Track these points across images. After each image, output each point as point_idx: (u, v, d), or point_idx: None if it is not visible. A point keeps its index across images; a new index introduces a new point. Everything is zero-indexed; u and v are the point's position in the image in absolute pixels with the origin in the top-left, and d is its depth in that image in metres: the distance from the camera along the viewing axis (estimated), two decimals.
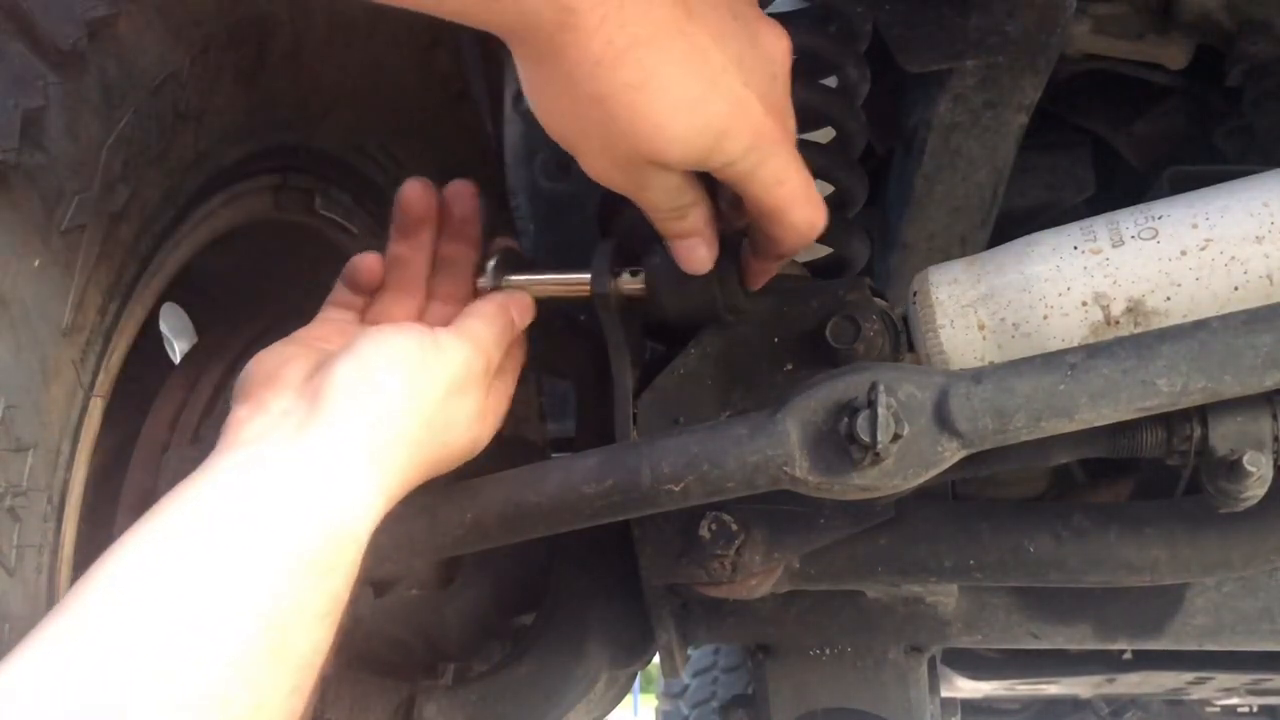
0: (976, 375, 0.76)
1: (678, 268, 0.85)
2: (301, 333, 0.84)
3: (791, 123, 0.78)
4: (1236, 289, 0.80)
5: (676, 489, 0.78)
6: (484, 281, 0.90)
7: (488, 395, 0.84)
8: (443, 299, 0.90)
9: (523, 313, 0.89)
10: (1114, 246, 0.83)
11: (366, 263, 0.89)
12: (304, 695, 0.66)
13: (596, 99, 0.69)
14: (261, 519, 0.67)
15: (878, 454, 0.73)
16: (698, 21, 0.70)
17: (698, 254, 0.83)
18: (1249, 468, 0.76)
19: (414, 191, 0.90)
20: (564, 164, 1.44)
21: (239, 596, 0.63)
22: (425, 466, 0.79)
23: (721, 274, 0.87)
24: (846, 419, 0.74)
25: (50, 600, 0.76)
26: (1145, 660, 1.92)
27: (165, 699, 0.58)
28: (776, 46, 0.76)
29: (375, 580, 1.12)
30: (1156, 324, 0.81)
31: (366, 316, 0.89)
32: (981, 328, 0.84)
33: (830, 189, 1.04)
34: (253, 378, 0.77)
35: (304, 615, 0.66)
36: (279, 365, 0.77)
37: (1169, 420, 0.79)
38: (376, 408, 0.74)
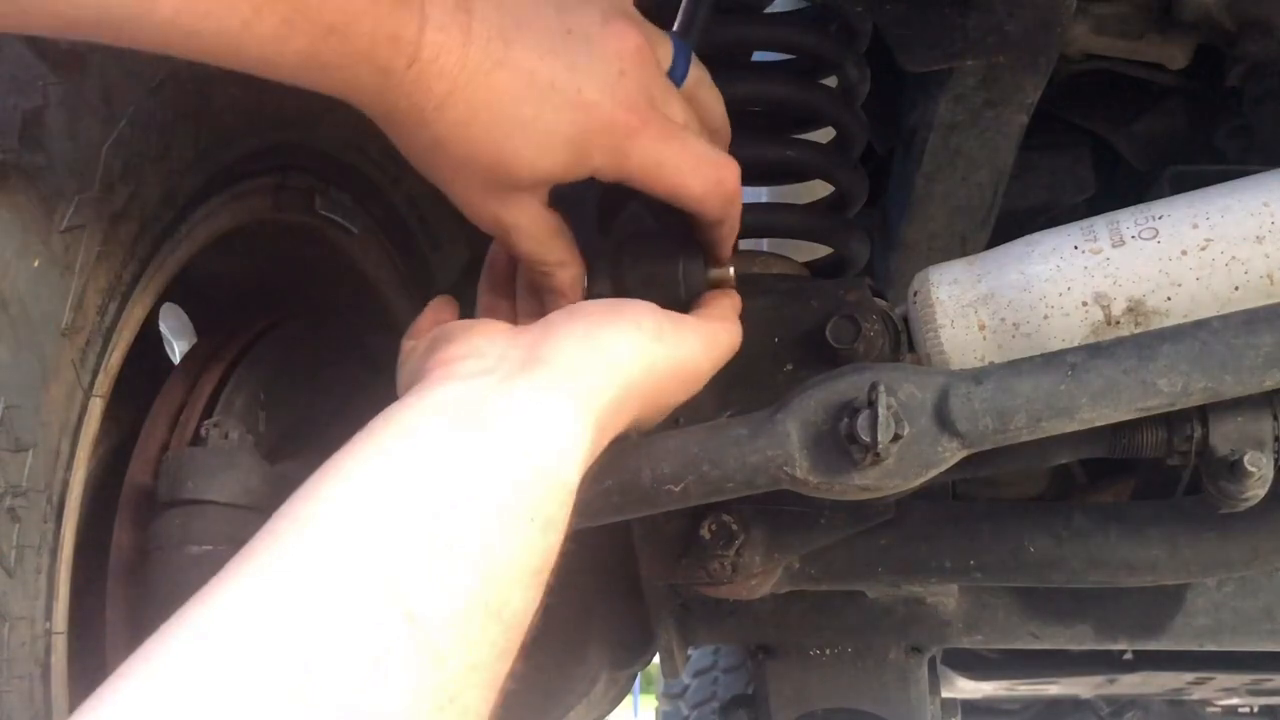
0: (977, 375, 0.76)
1: (640, 266, 0.86)
2: None
3: (654, 110, 0.78)
4: (1237, 289, 0.80)
5: (676, 489, 0.78)
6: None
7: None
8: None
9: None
10: (1114, 246, 0.82)
11: (446, 306, 0.87)
12: (512, 658, 0.62)
13: (435, 143, 0.73)
14: (479, 463, 0.63)
15: (878, 454, 0.73)
16: (518, 48, 0.72)
17: None
18: (1249, 468, 0.76)
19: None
20: None
21: (454, 548, 0.59)
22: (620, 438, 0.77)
23: (686, 271, 0.87)
24: (847, 419, 0.74)
25: (50, 600, 0.76)
26: (1146, 660, 1.92)
27: (376, 654, 0.54)
28: (620, 44, 0.77)
29: None
30: (1157, 324, 0.81)
31: None
32: (982, 328, 0.84)
33: (829, 188, 1.04)
34: (453, 330, 0.76)
35: (519, 571, 0.62)
36: (478, 322, 0.77)
37: (1169, 420, 0.79)
38: (601, 367, 0.72)
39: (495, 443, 0.65)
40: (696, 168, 0.80)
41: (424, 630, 0.56)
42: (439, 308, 0.87)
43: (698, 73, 0.86)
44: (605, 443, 0.74)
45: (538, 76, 0.73)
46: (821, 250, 1.04)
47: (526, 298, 0.87)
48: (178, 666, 0.52)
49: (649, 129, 0.77)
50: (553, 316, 0.75)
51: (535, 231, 0.79)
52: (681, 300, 0.87)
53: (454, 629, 0.57)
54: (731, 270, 0.89)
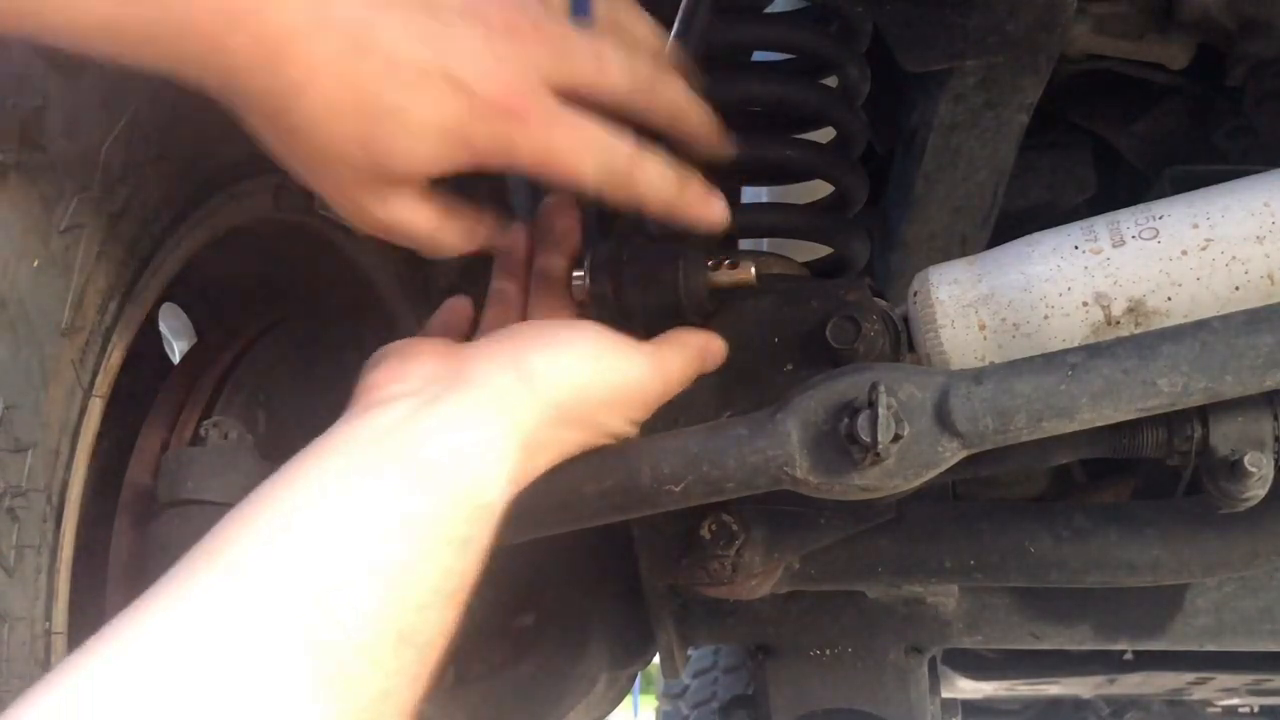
0: (977, 375, 0.76)
1: (640, 267, 0.86)
2: None
3: (538, 91, 0.72)
4: (1237, 289, 0.80)
5: (676, 489, 0.78)
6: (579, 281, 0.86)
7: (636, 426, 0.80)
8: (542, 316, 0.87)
9: (715, 356, 0.86)
10: (1115, 246, 0.82)
11: (459, 306, 0.87)
12: (426, 681, 0.61)
13: (293, 133, 0.68)
14: (391, 488, 0.62)
15: (878, 454, 0.73)
16: (380, 30, 0.67)
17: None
18: (1250, 468, 0.76)
19: (520, 236, 0.88)
20: None
21: (365, 575, 0.58)
22: (559, 461, 0.76)
23: (686, 271, 0.87)
24: (847, 419, 0.74)
25: (50, 600, 0.76)
26: (1146, 661, 1.92)
27: (280, 685, 0.53)
28: (493, 14, 0.70)
29: None
30: (1157, 324, 0.81)
31: None
32: (982, 328, 0.84)
33: (829, 188, 1.04)
34: (385, 353, 0.74)
35: (433, 594, 0.62)
36: (413, 344, 0.75)
37: (1170, 420, 0.79)
38: (524, 390, 0.70)
39: (409, 468, 0.64)
40: (588, 152, 0.74)
41: (332, 658, 0.56)
42: (451, 309, 0.86)
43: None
44: (540, 463, 0.73)
45: (402, 61, 0.67)
46: (821, 250, 1.04)
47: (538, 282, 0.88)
48: (75, 703, 0.52)
49: (533, 114, 0.71)
50: (486, 338, 0.74)
51: (422, 226, 0.75)
52: (681, 300, 0.87)
53: (365, 656, 0.57)
54: (753, 270, 0.89)
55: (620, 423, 0.78)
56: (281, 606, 0.56)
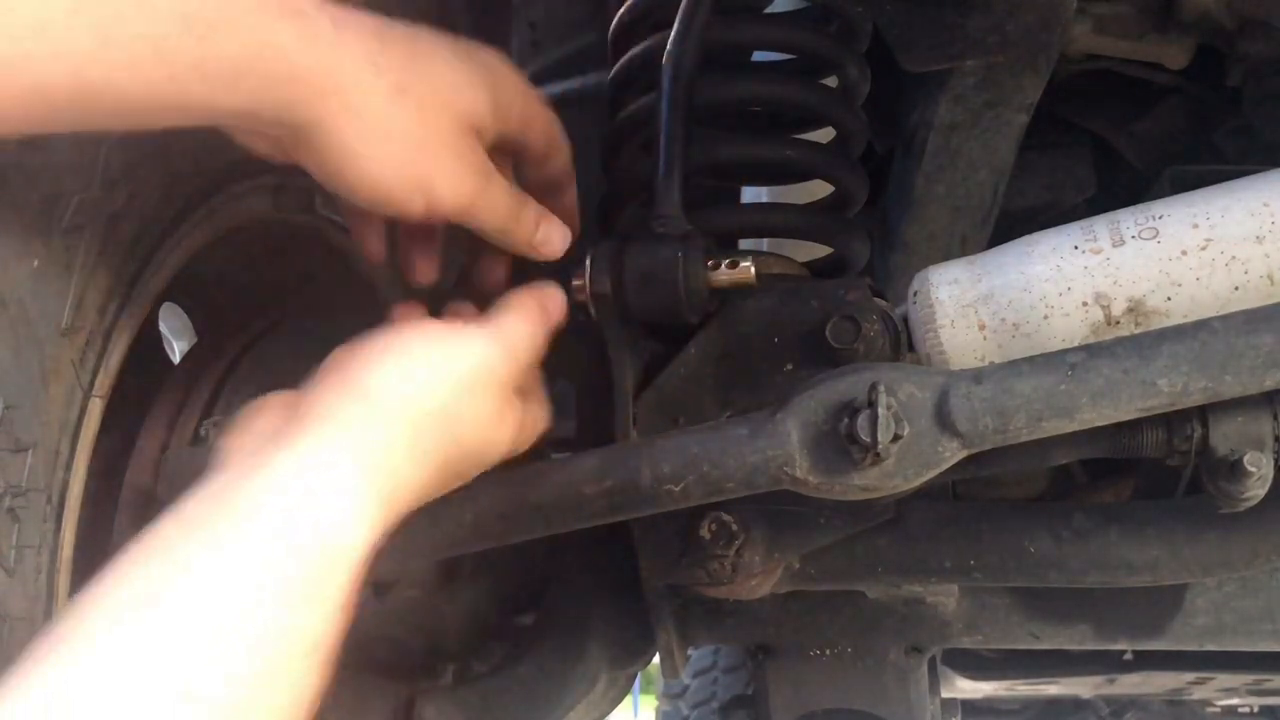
0: (977, 375, 0.76)
1: (640, 266, 0.86)
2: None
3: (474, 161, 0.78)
4: (1237, 289, 0.80)
5: (676, 489, 0.78)
6: None
7: (513, 397, 0.78)
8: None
9: (557, 306, 0.84)
10: (1114, 246, 0.82)
11: (410, 311, 0.87)
12: None
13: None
14: (245, 552, 0.60)
15: (878, 454, 0.73)
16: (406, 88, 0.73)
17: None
18: (1249, 468, 0.76)
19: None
20: None
21: (228, 633, 0.57)
22: (435, 471, 0.72)
23: (686, 270, 0.87)
24: (847, 419, 0.74)
25: (50, 600, 0.76)
26: (1146, 661, 1.92)
27: None
28: (463, 82, 0.78)
29: (375, 580, 1.12)
30: (1157, 324, 0.81)
31: None
32: (982, 328, 0.84)
33: (829, 188, 1.04)
34: (240, 414, 0.73)
35: (297, 649, 0.60)
36: (265, 399, 0.73)
37: (1169, 420, 0.79)
38: (363, 411, 0.67)
39: (259, 530, 0.61)
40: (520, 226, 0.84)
41: (204, 708, 0.55)
42: (406, 313, 0.84)
43: None
44: (413, 484, 0.69)
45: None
46: (821, 250, 1.04)
47: None
48: None
49: (480, 188, 0.80)
50: (323, 366, 0.71)
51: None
52: (681, 300, 0.87)
53: (233, 708, 0.56)
54: (753, 270, 0.89)
55: (485, 407, 0.74)
56: (159, 662, 0.55)
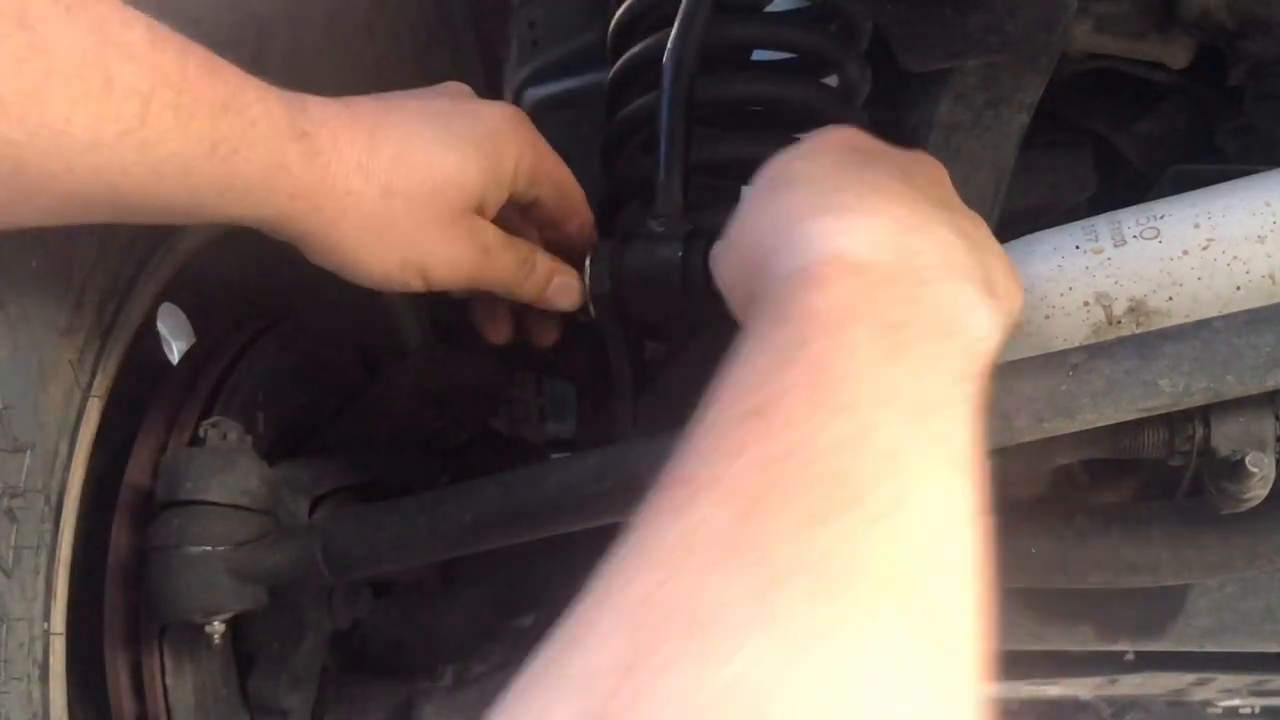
0: None
1: (640, 266, 0.85)
2: None
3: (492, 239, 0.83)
4: (1239, 289, 0.80)
5: None
6: None
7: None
8: None
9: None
10: (1116, 246, 0.82)
11: None
12: None
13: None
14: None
15: None
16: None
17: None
18: (1251, 468, 0.76)
19: None
20: None
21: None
22: None
23: (687, 274, 0.87)
24: None
25: (48, 601, 0.76)
26: (1147, 661, 1.91)
27: None
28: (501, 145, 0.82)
29: (375, 580, 1.11)
30: (1159, 324, 0.81)
31: None
32: None
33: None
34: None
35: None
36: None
37: (1171, 420, 0.79)
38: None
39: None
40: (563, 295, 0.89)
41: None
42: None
43: None
44: None
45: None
46: None
47: None
48: None
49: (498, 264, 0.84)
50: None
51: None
52: (682, 300, 0.87)
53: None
54: None
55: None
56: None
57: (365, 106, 0.78)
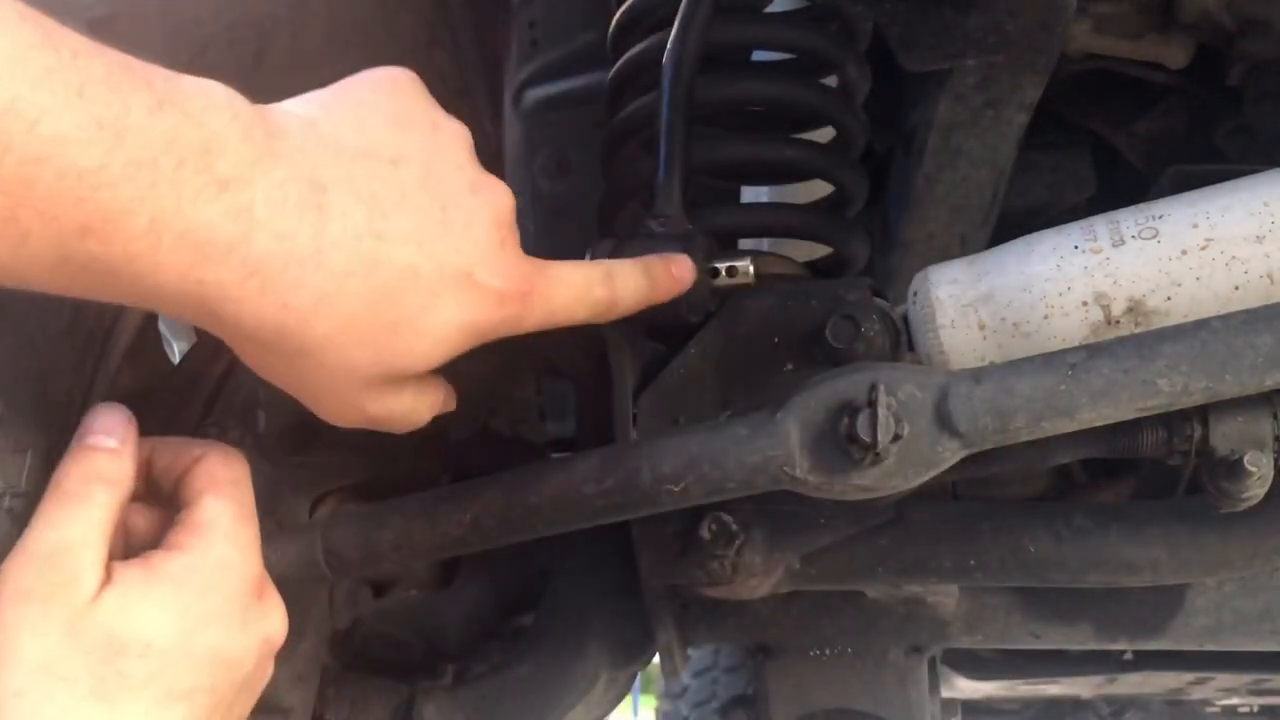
0: (977, 375, 0.76)
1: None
2: None
3: (535, 266, 0.72)
4: (1237, 288, 0.80)
5: (676, 489, 0.78)
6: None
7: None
8: None
9: None
10: (1114, 246, 0.82)
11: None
12: None
13: (300, 355, 0.65)
14: None
15: (878, 454, 0.73)
16: (393, 241, 0.64)
17: None
18: (1249, 468, 0.76)
19: None
20: (564, 164, 1.44)
21: None
22: None
23: None
24: (847, 419, 0.74)
25: None
26: (1146, 660, 1.92)
27: None
28: (495, 210, 0.69)
29: (375, 580, 1.12)
30: (1157, 324, 0.81)
31: None
32: (982, 327, 0.84)
33: (829, 188, 1.04)
34: None
35: None
36: None
37: (1169, 420, 0.79)
38: None
39: None
40: (580, 300, 0.75)
41: None
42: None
43: None
44: None
45: (422, 269, 0.65)
46: (821, 250, 1.04)
47: None
48: None
49: (537, 290, 0.71)
50: None
51: (414, 413, 0.73)
52: (682, 300, 0.87)
53: None
54: (753, 270, 0.89)
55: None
56: None
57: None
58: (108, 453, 0.69)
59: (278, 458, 0.98)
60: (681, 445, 0.78)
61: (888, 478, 0.75)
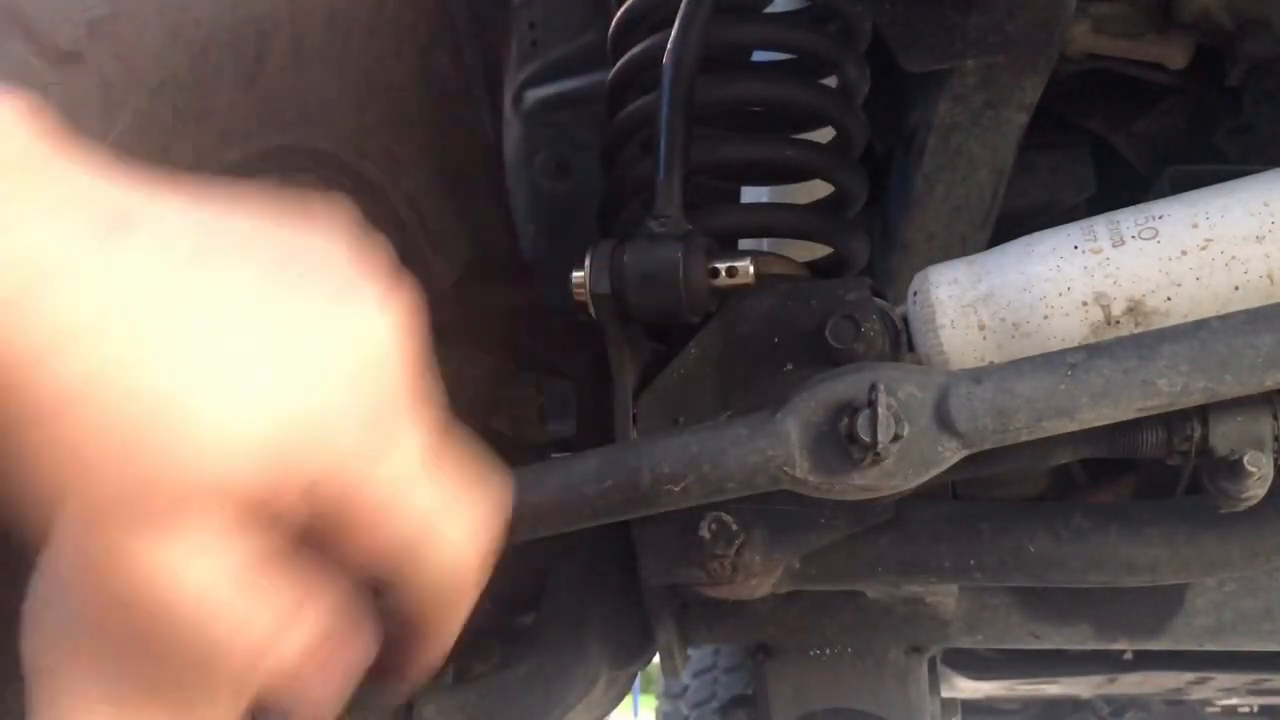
0: (977, 375, 0.76)
1: (640, 266, 0.85)
2: None
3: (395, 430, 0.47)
4: (1237, 289, 0.80)
5: (676, 489, 0.78)
6: None
7: None
8: None
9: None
10: (1114, 246, 0.82)
11: None
12: None
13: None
14: None
15: (878, 454, 0.73)
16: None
17: None
18: (1249, 467, 0.76)
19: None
20: (564, 165, 1.45)
21: None
22: None
23: (687, 273, 0.87)
24: (847, 419, 0.74)
25: None
26: (1146, 660, 1.92)
27: None
28: (365, 335, 0.47)
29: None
30: (1157, 324, 0.81)
31: None
32: (982, 328, 0.84)
33: (829, 188, 1.04)
34: None
35: None
36: None
37: (1169, 420, 0.79)
38: None
39: None
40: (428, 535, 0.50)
41: None
42: None
43: None
44: None
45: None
46: (821, 250, 1.04)
47: None
48: None
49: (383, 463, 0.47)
50: None
51: (202, 594, 0.42)
52: (681, 300, 0.87)
53: None
54: (753, 270, 0.89)
55: None
56: None
57: None
58: None
59: None
60: (681, 445, 0.78)
61: (888, 478, 0.75)
